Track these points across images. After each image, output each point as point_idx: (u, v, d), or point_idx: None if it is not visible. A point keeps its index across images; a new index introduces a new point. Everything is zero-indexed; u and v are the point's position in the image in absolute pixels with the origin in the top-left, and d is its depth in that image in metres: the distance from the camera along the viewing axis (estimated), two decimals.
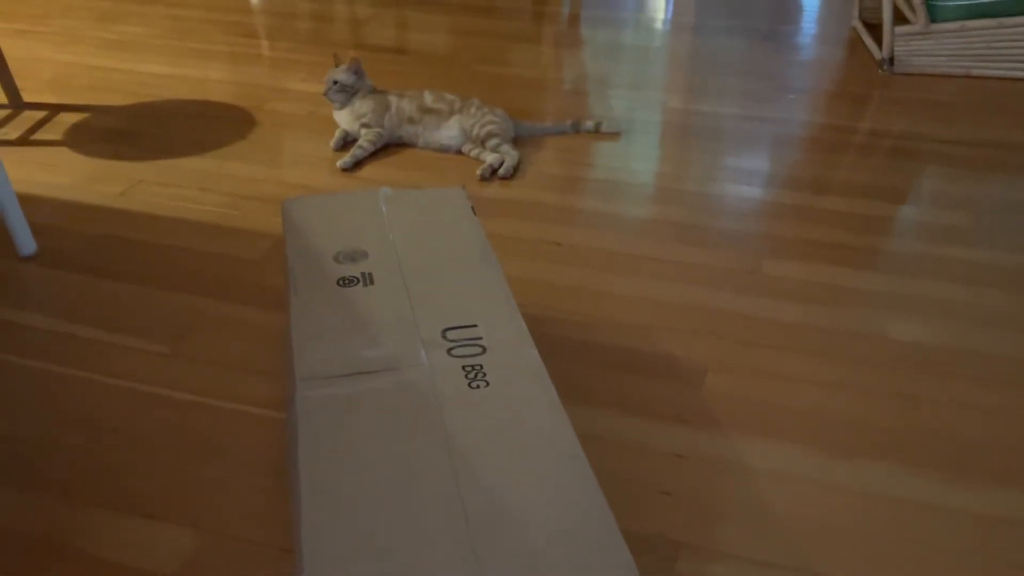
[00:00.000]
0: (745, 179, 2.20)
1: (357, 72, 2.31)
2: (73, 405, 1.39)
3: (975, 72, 2.81)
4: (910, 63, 2.84)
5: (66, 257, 1.79)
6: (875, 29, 3.07)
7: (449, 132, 2.26)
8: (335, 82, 2.29)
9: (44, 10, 3.41)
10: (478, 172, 2.14)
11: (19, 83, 2.54)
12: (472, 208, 1.46)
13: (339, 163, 2.20)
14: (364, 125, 2.26)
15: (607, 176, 2.20)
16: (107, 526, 1.18)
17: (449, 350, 1.11)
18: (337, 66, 2.33)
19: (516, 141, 2.31)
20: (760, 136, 2.45)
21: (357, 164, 2.22)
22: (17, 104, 2.51)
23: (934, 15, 2.76)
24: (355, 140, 2.29)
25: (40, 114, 2.47)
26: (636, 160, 2.30)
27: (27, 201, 1.96)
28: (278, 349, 1.53)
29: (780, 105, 2.67)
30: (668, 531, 1.19)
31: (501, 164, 2.15)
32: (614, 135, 2.42)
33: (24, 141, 2.30)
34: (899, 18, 2.89)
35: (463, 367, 1.09)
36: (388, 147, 2.32)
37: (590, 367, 1.51)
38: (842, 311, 1.67)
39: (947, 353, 1.56)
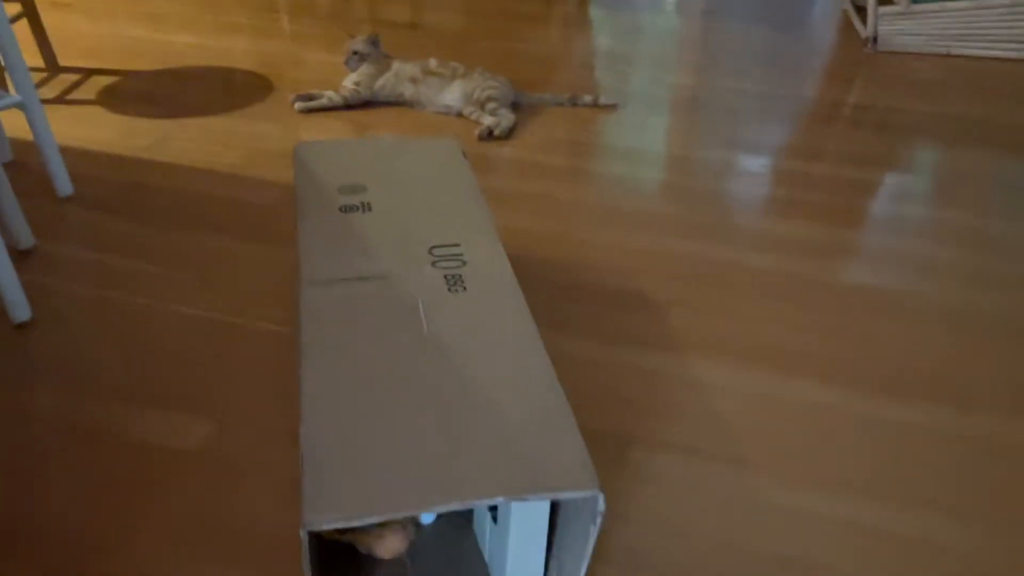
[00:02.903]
0: (733, 146, 2.36)
1: (374, 43, 2.54)
2: (111, 320, 1.58)
3: (955, 51, 2.95)
4: (893, 42, 2.99)
5: (100, 199, 1.98)
6: (864, 11, 3.21)
7: (451, 94, 2.44)
8: (355, 52, 2.52)
9: None
10: (476, 132, 2.31)
11: (56, 50, 2.74)
12: (464, 154, 1.62)
13: (297, 104, 2.48)
14: (355, 82, 2.46)
15: (598, 140, 2.37)
16: (137, 416, 1.36)
17: (434, 263, 1.28)
18: (352, 38, 2.54)
19: (517, 108, 2.48)
20: (752, 109, 2.61)
21: (311, 110, 2.48)
22: (54, 67, 2.70)
23: None
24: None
25: (75, 77, 2.66)
26: (628, 127, 2.46)
27: (63, 152, 2.14)
28: (289, 280, 1.71)
29: (773, 81, 2.82)
30: (624, 428, 1.36)
31: (498, 126, 2.32)
32: (611, 107, 2.58)
33: (60, 100, 2.49)
34: None
35: (445, 276, 1.26)
36: (394, 110, 2.50)
37: (568, 301, 1.68)
38: (806, 259, 1.83)
39: (890, 295, 1.72)
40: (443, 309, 1.18)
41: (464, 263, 1.29)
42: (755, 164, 2.26)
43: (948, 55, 2.97)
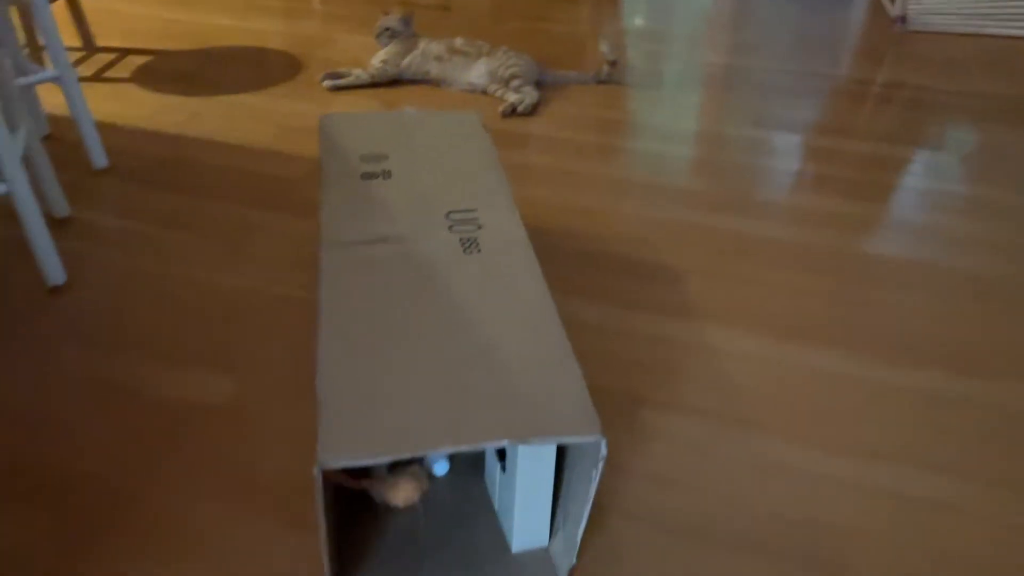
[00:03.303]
0: (761, 123, 2.37)
1: (407, 22, 2.59)
2: (141, 284, 1.63)
3: (985, 31, 2.92)
4: (922, 21, 2.97)
5: (133, 172, 2.04)
6: None
7: (476, 72, 2.47)
8: (387, 28, 2.56)
9: None
10: (500, 109, 2.35)
11: (93, 31, 2.81)
12: (484, 126, 1.65)
13: (326, 82, 2.53)
14: (382, 60, 2.50)
15: (624, 117, 2.39)
16: (163, 373, 1.41)
17: (450, 227, 1.32)
18: (386, 15, 2.59)
19: (541, 86, 2.51)
20: (781, 87, 2.62)
21: (339, 88, 2.53)
22: (91, 47, 2.77)
23: None
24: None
25: (111, 56, 2.73)
26: (654, 105, 2.48)
27: (99, 127, 2.21)
28: (313, 248, 1.75)
29: (802, 59, 2.82)
30: (636, 389, 1.39)
31: (522, 103, 2.35)
32: (627, 83, 2.60)
33: (97, 78, 2.56)
34: None
35: (460, 239, 1.29)
36: (420, 88, 2.54)
37: (585, 269, 1.71)
38: (831, 232, 1.85)
39: (914, 267, 1.73)
40: (458, 269, 1.22)
41: (480, 227, 1.32)
42: (783, 140, 2.26)
43: (978, 34, 2.94)
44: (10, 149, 1.53)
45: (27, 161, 1.72)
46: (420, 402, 0.96)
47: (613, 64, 2.58)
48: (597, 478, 0.96)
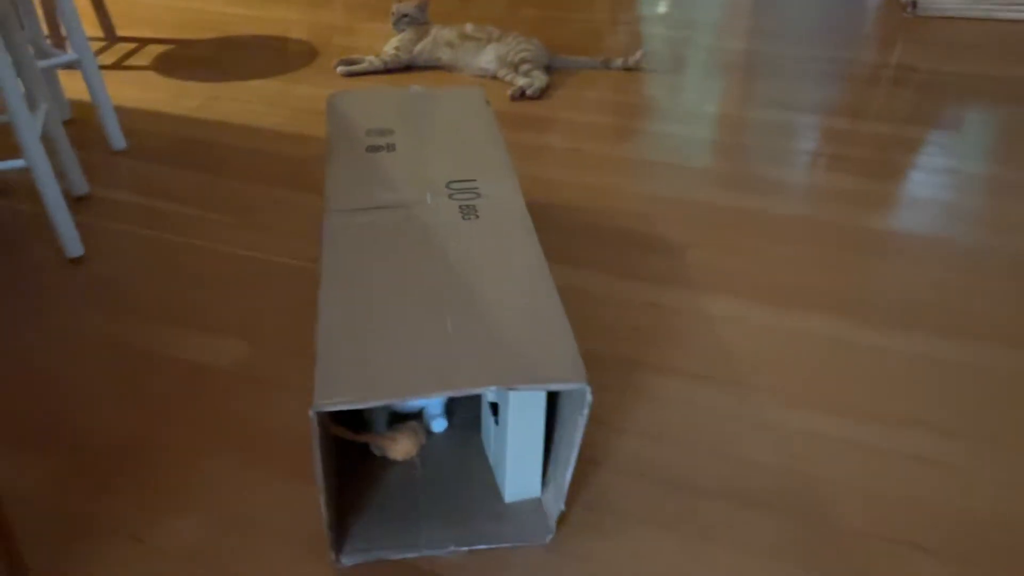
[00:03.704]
0: (768, 105, 2.39)
1: (422, 9, 2.63)
2: (156, 256, 1.69)
3: (995, 15, 2.93)
4: (933, 6, 2.98)
5: (150, 152, 2.09)
6: None
7: (486, 57, 2.51)
8: (404, 15, 2.62)
9: None
10: (509, 92, 2.38)
11: (114, 21, 2.87)
12: (487, 101, 1.69)
13: (339, 69, 2.58)
14: (395, 47, 2.55)
15: (633, 101, 2.42)
16: (176, 337, 1.46)
17: (450, 195, 1.36)
18: (402, 1, 2.65)
19: (551, 72, 2.55)
20: (796, 71, 2.64)
21: (353, 74, 2.58)
22: (112, 37, 2.84)
23: None
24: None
25: (131, 45, 2.80)
26: (661, 88, 2.51)
27: (118, 111, 2.26)
28: (320, 222, 1.79)
29: (814, 44, 2.84)
30: (631, 353, 1.42)
31: (531, 86, 2.38)
32: (640, 67, 2.63)
33: (117, 66, 2.63)
34: None
35: (460, 206, 1.33)
36: (432, 73, 2.58)
37: (589, 241, 1.74)
38: (839, 208, 1.87)
39: (917, 240, 1.75)
40: (455, 233, 1.26)
41: (479, 196, 1.36)
42: (796, 122, 2.29)
43: (986, 19, 2.95)
44: (30, 126, 1.59)
45: (48, 141, 1.78)
46: (412, 352, 1.00)
47: (629, 69, 2.61)
48: (583, 424, 0.99)
